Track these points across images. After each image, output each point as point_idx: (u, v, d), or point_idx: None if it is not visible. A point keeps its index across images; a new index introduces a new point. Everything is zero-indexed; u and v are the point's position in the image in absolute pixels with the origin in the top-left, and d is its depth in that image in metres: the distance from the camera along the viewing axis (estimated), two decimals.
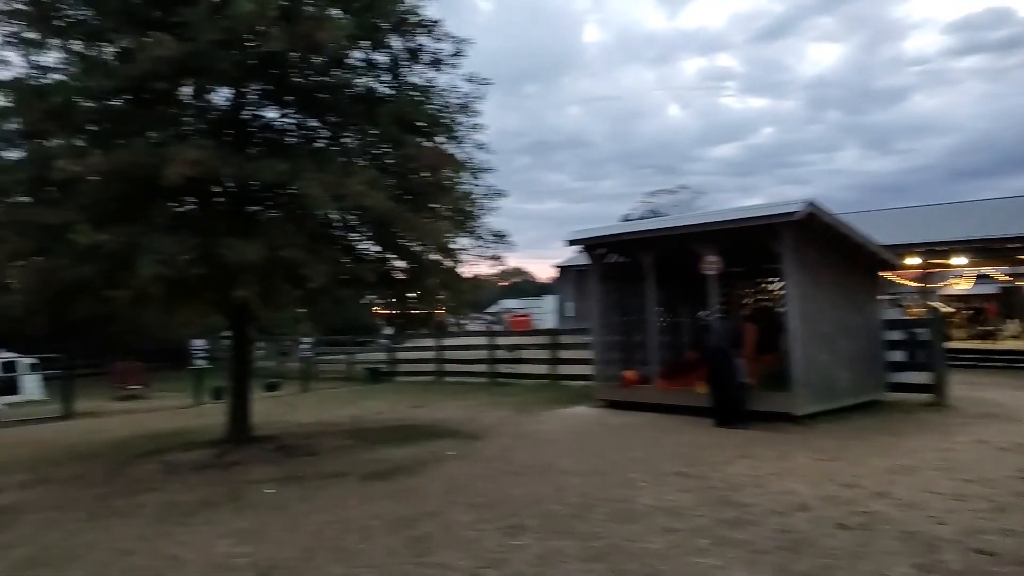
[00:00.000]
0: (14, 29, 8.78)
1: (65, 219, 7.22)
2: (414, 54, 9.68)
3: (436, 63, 9.64)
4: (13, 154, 8.78)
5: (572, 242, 12.68)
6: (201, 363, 17.09)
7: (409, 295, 9.71)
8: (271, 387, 18.74)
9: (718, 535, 5.75)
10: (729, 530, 5.87)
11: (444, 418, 12.37)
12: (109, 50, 8.96)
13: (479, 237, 9.68)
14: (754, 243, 11.23)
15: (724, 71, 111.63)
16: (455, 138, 9.52)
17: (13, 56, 8.84)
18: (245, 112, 9.68)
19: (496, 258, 9.95)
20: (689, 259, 11.79)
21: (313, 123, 10.07)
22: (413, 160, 8.82)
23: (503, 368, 17.18)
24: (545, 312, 34.51)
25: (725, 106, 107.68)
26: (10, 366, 20.24)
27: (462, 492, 7.40)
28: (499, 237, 9.85)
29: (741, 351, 10.71)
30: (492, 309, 38.47)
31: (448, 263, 9.78)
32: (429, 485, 7.79)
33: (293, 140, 9.83)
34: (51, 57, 8.94)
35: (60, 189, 7.74)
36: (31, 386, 20.78)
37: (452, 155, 9.42)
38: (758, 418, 10.47)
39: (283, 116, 10.08)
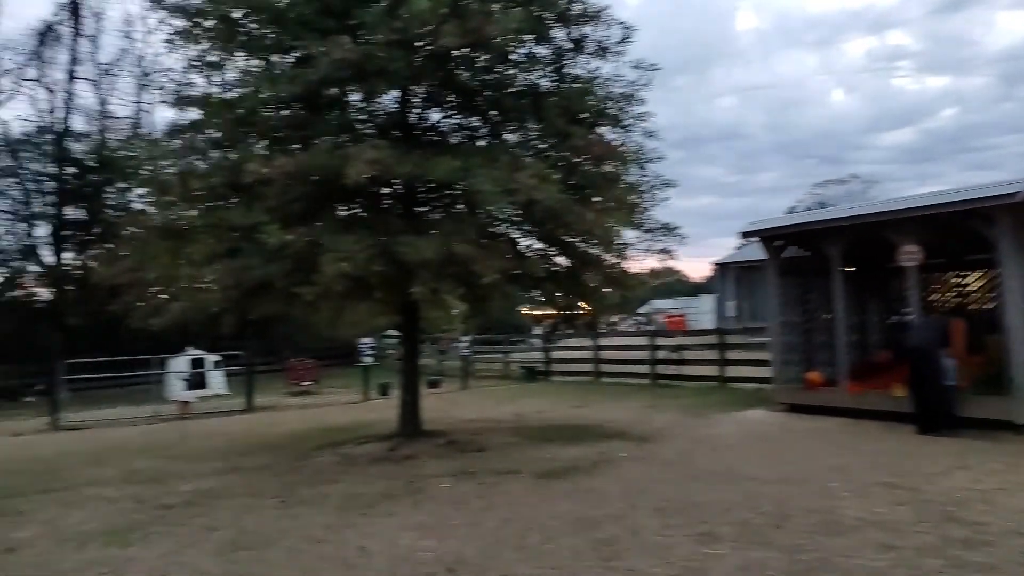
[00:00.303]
0: (198, 52, 9.39)
1: (254, 221, 7.54)
2: (578, 44, 9.43)
3: (602, 51, 9.34)
4: (206, 163, 9.38)
5: (747, 234, 11.93)
6: (368, 360, 17.76)
7: (572, 292, 9.42)
8: (433, 384, 19.17)
9: (951, 556, 5.02)
10: (963, 551, 5.12)
11: (609, 419, 12.02)
12: (287, 60, 9.41)
13: (648, 230, 9.26)
14: (958, 231, 10.03)
15: (897, 50, 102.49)
16: (622, 127, 9.16)
17: (197, 77, 9.51)
18: (411, 114, 9.85)
19: (665, 252, 9.49)
20: (880, 250, 10.74)
21: (475, 122, 10.10)
22: (580, 152, 8.56)
23: (665, 369, 16.56)
24: (701, 312, 33.32)
25: (898, 88, 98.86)
26: (199, 363, 22.02)
27: (644, 495, 7.02)
28: (669, 230, 9.38)
29: (949, 350, 9.57)
30: (642, 309, 37.60)
31: (614, 258, 9.45)
32: (607, 486, 7.47)
33: (456, 140, 9.89)
34: (232, 72, 9.53)
35: (249, 193, 8.12)
36: (216, 381, 22.49)
37: (618, 146, 9.08)
38: (968, 425, 9.31)
39: (446, 117, 10.19)
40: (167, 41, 9.25)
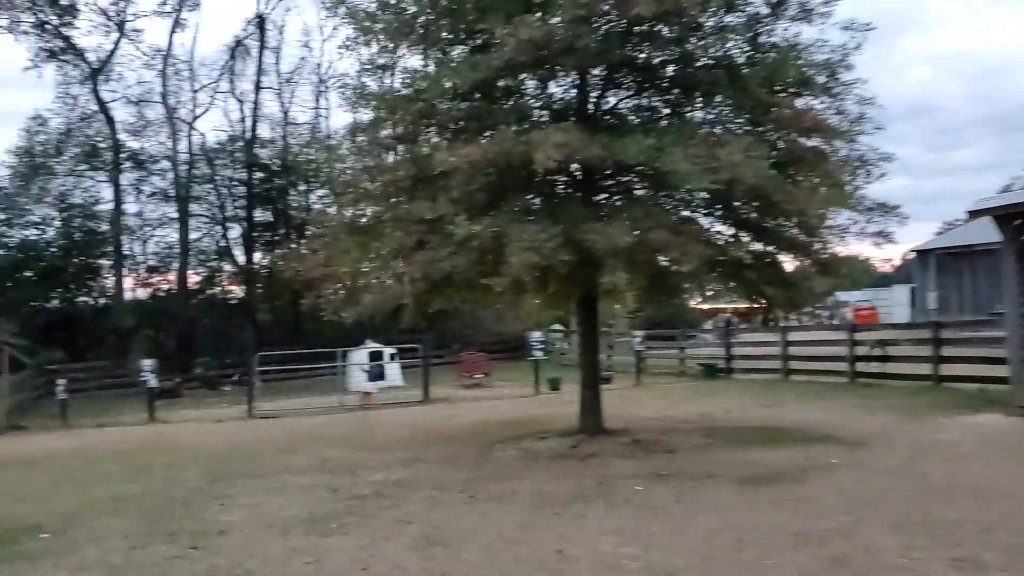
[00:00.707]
0: (372, 53, 9.46)
1: (440, 213, 7.41)
2: (778, 7, 8.57)
3: (806, 13, 8.41)
4: (389, 159, 9.44)
5: (975, 213, 10.38)
6: (538, 355, 17.60)
7: (772, 281, 8.57)
8: (603, 380, 18.62)
9: None
10: None
11: (808, 421, 10.98)
12: (462, 50, 9.29)
13: (863, 210, 8.24)
14: None
15: None
16: (831, 96, 8.21)
17: (371, 80, 9.60)
18: (589, 98, 9.42)
19: (882, 235, 8.41)
20: None
21: (654, 102, 9.51)
22: (785, 126, 7.73)
23: (867, 367, 15.02)
24: (894, 304, 30.40)
25: None
26: (377, 355, 22.92)
27: (870, 508, 6.15)
28: (887, 209, 8.30)
29: None
30: (826, 303, 34.81)
31: (819, 242, 8.52)
32: (822, 496, 6.66)
33: (635, 122, 9.32)
34: (405, 69, 9.53)
35: (434, 185, 8.03)
36: (393, 373, 23.28)
37: (828, 118, 8.14)
38: None
39: (624, 99, 9.67)
40: (343, 46, 9.44)
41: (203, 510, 7.45)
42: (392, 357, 23.11)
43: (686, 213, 8.83)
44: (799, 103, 8.37)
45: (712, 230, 8.99)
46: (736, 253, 7.27)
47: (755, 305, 9.42)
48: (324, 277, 8.86)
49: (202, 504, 7.73)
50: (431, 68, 9.19)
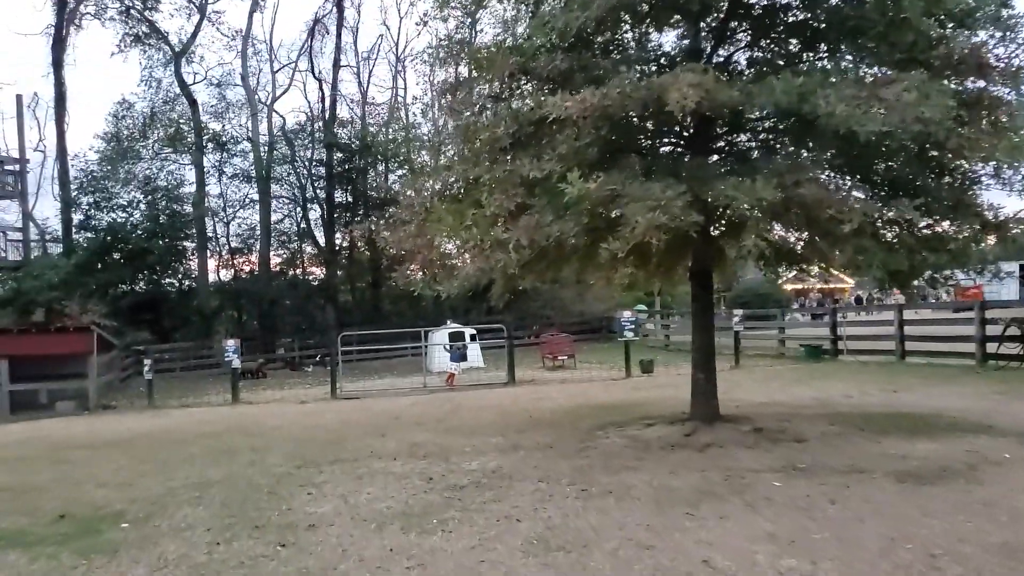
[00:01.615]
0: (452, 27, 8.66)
1: (547, 171, 6.55)
2: None
3: None
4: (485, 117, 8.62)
5: None
6: (629, 335, 16.61)
7: (934, 246, 7.31)
8: (646, 367, 17.44)
9: None
10: None
11: (945, 407, 9.72)
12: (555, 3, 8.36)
13: None
14: None
15: None
16: (1003, 30, 6.93)
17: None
18: (703, 48, 8.36)
19: None
20: None
21: (769, 55, 8.35)
22: (957, 64, 6.53)
23: (1002, 349, 13.46)
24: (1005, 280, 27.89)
25: None
26: (458, 336, 22.36)
27: None
28: None
29: None
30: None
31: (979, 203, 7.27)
32: (1014, 499, 5.55)
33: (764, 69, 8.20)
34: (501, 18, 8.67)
35: (536, 143, 7.18)
36: (474, 355, 22.69)
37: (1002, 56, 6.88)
38: None
39: (739, 51, 8.57)
40: (421, 22, 8.67)
41: (290, 499, 6.87)
42: (472, 338, 22.51)
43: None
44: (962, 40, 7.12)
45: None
46: (904, 211, 6.10)
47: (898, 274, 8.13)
48: (416, 250, 8.12)
49: (289, 492, 7.17)
50: (529, 20, 8.31)
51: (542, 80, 7.84)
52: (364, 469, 8.07)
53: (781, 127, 6.89)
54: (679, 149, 8.31)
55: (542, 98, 6.66)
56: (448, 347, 17.52)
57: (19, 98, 33.13)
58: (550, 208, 6.67)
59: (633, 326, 16.67)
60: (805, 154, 6.93)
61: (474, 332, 22.65)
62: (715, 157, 8.07)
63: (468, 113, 8.00)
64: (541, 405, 12.61)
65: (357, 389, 17.95)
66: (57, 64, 28.84)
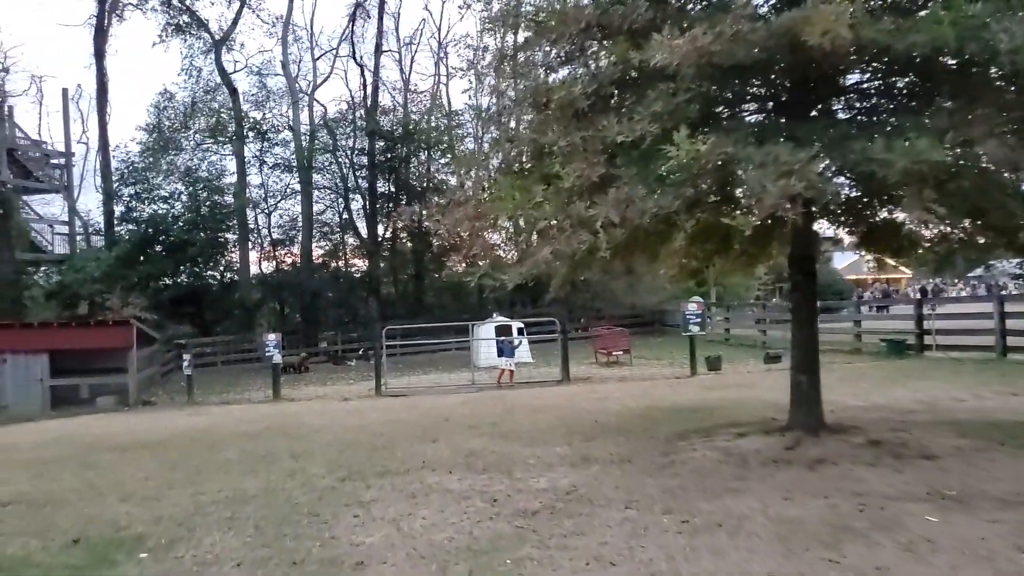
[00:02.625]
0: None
1: (639, 132, 5.40)
2: None
3: None
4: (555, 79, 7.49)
5: None
6: (695, 329, 15.34)
7: None
8: (772, 358, 16.22)
9: None
10: None
11: None
12: None
13: None
14: None
15: None
16: None
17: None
18: None
19: None
20: None
21: None
22: None
23: None
24: None
25: None
26: (505, 329, 21.29)
27: None
28: None
29: None
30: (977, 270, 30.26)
31: None
32: None
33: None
34: None
35: (623, 100, 6.04)
36: (522, 350, 21.61)
37: None
38: None
39: None
40: (463, 5, 7.56)
41: (334, 523, 5.88)
42: (520, 332, 21.45)
43: None
44: None
45: None
46: None
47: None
48: (473, 233, 7.04)
49: (332, 514, 6.19)
50: None
51: (620, 34, 6.68)
52: (417, 484, 7.06)
53: (927, 74, 5.59)
54: (798, 106, 7.05)
55: (631, 52, 5.48)
56: (501, 342, 16.46)
57: (65, 92, 32.91)
58: (638, 179, 5.52)
59: (699, 319, 15.37)
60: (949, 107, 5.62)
61: (521, 326, 21.59)
62: (841, 116, 6.83)
63: (535, 75, 6.87)
64: (605, 407, 11.48)
65: (402, 386, 17.03)
66: (99, 54, 28.51)
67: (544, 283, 7.86)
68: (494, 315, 22.46)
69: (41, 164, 31.20)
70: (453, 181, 30.81)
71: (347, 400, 15.58)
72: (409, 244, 32.43)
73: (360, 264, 33.81)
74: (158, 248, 27.60)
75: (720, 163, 4.95)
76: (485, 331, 20.82)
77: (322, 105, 33.19)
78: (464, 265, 31.21)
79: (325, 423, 11.89)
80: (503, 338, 18.21)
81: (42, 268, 29.26)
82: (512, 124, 7.53)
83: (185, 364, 17.84)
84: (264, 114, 31.43)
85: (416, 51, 33.10)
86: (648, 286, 25.40)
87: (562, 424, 10.07)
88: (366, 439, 9.99)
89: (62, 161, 32.36)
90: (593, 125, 5.91)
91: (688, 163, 4.80)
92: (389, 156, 30.34)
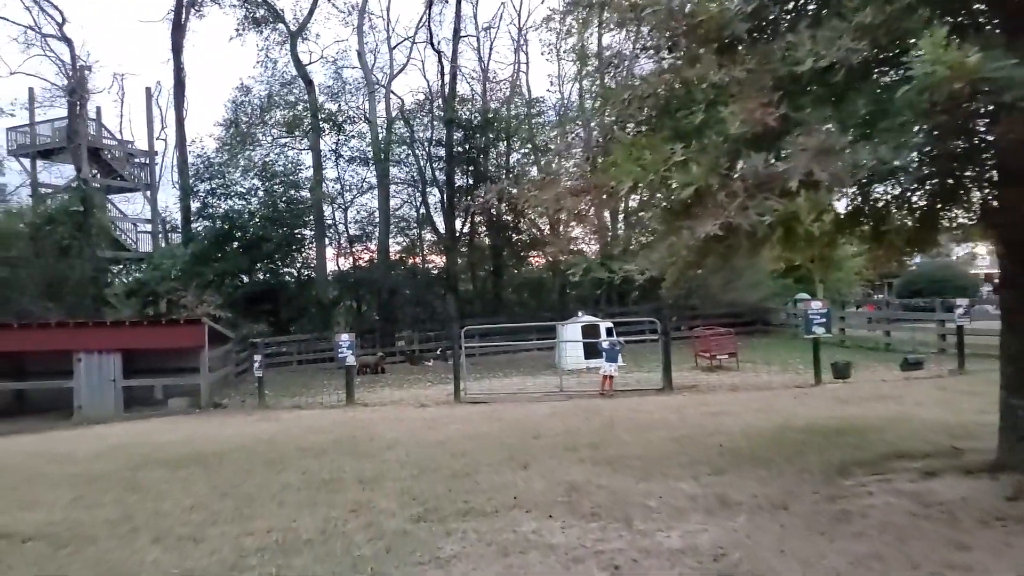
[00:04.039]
0: None
1: (841, 50, 3.67)
2: None
3: None
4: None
5: None
6: (819, 331, 13.26)
7: None
8: (912, 364, 13.92)
9: None
10: None
11: None
12: None
13: None
14: None
15: None
16: None
17: None
18: None
19: None
20: None
21: None
22: None
23: None
24: None
25: None
26: (593, 330, 19.60)
27: None
28: None
29: None
30: None
31: None
32: None
33: None
34: None
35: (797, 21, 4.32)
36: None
37: None
38: None
39: None
40: None
41: None
42: (609, 332, 19.71)
43: None
44: None
45: None
46: None
47: None
48: (576, 214, 5.42)
49: (404, 573, 4.72)
50: None
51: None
52: (509, 534, 5.52)
53: None
54: None
55: None
56: (602, 344, 14.76)
57: (148, 91, 33.14)
58: (833, 120, 3.78)
59: (824, 319, 13.29)
60: None
61: (610, 326, 19.86)
62: None
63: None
64: (725, 425, 9.67)
65: (483, 391, 15.59)
66: (176, 50, 28.25)
67: (654, 278, 6.24)
68: (579, 314, 20.78)
69: (124, 163, 31.36)
70: (534, 172, 29.37)
71: (424, 407, 14.25)
72: (487, 240, 31.06)
73: (437, 260, 32.68)
74: (234, 245, 27.10)
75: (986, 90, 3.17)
76: (571, 331, 19.18)
77: (399, 97, 32.20)
78: (548, 259, 29.65)
79: (399, 436, 10.54)
80: (606, 339, 16.49)
81: (122, 266, 29.30)
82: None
83: (256, 366, 16.89)
84: (340, 106, 30.63)
85: (495, 37, 31.67)
86: (748, 281, 23.15)
87: (679, 448, 8.36)
88: (444, 460, 8.54)
89: (146, 160, 32.51)
90: (756, 56, 4.18)
91: (936, 82, 3.05)
92: (467, 147, 28.98)
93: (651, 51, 5.19)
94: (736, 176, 3.93)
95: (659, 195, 4.79)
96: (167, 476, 8.72)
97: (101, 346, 17.65)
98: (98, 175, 29.23)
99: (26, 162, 29.85)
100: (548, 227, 29.87)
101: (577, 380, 15.91)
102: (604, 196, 5.05)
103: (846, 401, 11.01)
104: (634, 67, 5.80)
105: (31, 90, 29.14)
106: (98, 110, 32.00)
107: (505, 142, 29.99)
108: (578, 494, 6.58)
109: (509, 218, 28.92)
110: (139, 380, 18.30)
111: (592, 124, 5.81)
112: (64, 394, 17.46)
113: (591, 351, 19.17)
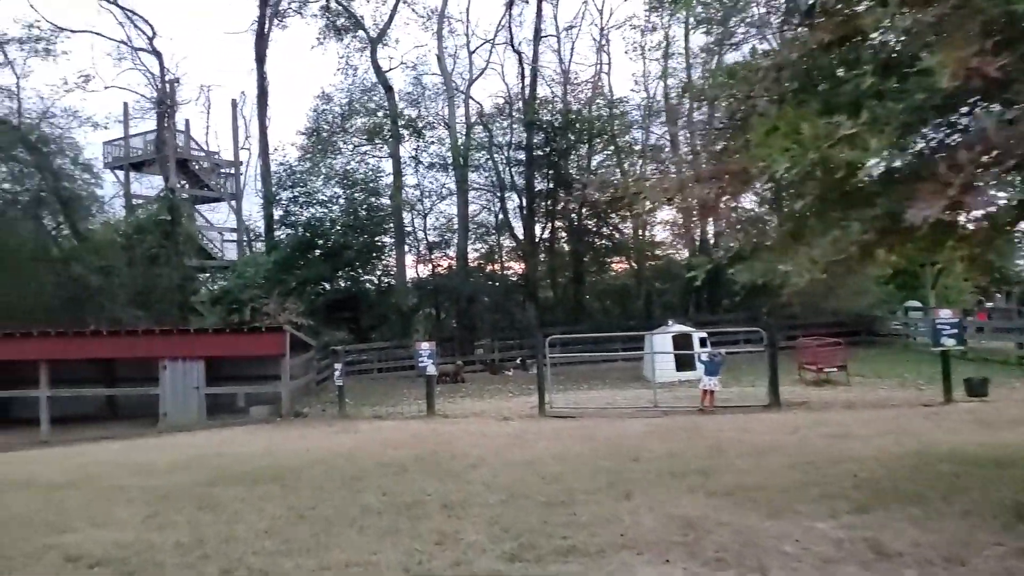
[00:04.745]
0: None
1: None
2: None
3: None
4: None
5: None
6: (949, 343, 11.80)
7: None
8: (977, 388, 12.05)
9: None
10: None
11: None
12: None
13: None
14: None
15: None
16: None
17: None
18: None
19: None
20: None
21: None
22: None
23: None
24: None
25: None
26: (686, 340, 18.44)
27: None
28: None
29: None
30: None
31: None
32: None
33: None
34: None
35: None
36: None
37: None
38: None
39: None
40: None
41: None
42: (703, 342, 18.52)
43: None
44: None
45: None
46: None
47: None
48: (704, 207, 4.54)
49: None
50: None
51: None
52: None
53: None
54: None
55: None
56: (701, 356, 13.66)
57: (234, 103, 33.71)
58: None
59: (955, 330, 11.85)
60: None
61: (704, 335, 18.67)
62: None
63: None
64: (851, 450, 8.53)
65: (568, 404, 14.73)
66: (260, 59, 28.60)
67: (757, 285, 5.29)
68: (669, 322, 19.63)
69: (211, 173, 32.02)
70: (617, 176, 28.35)
71: (507, 420, 13.50)
72: (566, 246, 30.17)
73: (516, 267, 32.00)
74: (316, 252, 27.13)
75: None
76: (660, 342, 18.11)
77: (477, 102, 31.75)
78: (632, 264, 28.45)
79: (483, 454, 9.81)
80: (705, 351, 15.37)
81: (208, 274, 29.81)
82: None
83: (336, 375, 16.55)
84: (419, 111, 30.39)
85: (577, 38, 30.79)
86: (852, 287, 21.42)
87: (804, 477, 7.31)
88: (536, 484, 7.75)
89: (230, 170, 33.12)
90: None
91: None
92: (548, 150, 28.20)
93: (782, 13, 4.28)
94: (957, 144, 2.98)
95: (815, 177, 3.86)
96: (243, 494, 8.23)
97: (185, 353, 17.71)
98: (186, 186, 29.89)
99: (120, 174, 30.80)
100: (632, 231, 28.82)
101: (673, 395, 14.87)
102: (740, 183, 4.16)
103: (991, 424, 9.65)
104: (751, 41, 4.88)
105: (125, 105, 30.10)
106: (187, 123, 32.80)
107: (587, 144, 29.05)
108: (696, 532, 5.66)
109: (591, 223, 28.00)
110: (222, 388, 18.32)
111: (717, 102, 4.90)
112: (151, 400, 17.60)
113: (683, 363, 18.06)
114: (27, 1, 31.00)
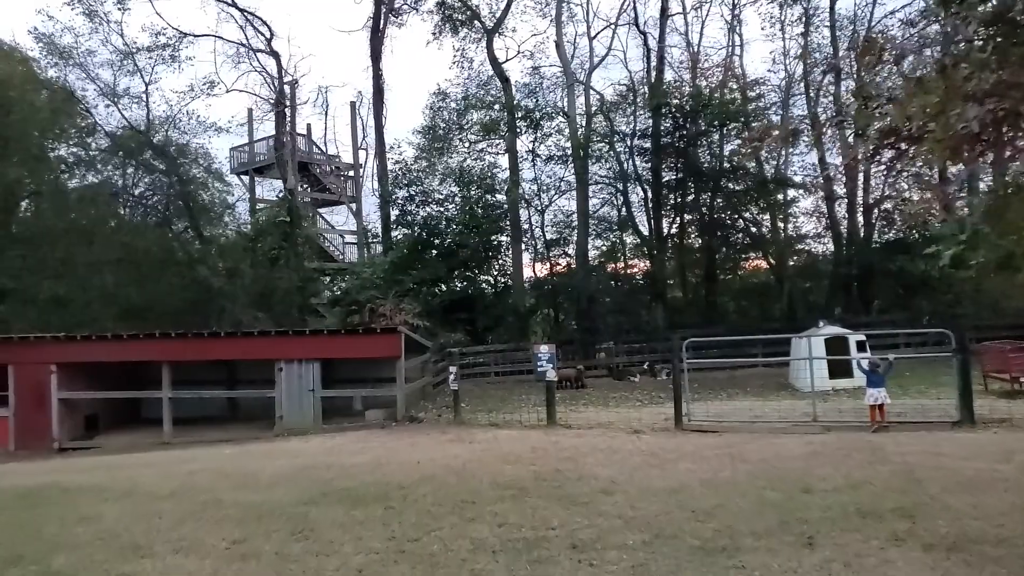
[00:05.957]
0: None
1: None
2: None
3: None
4: None
5: None
6: None
7: None
8: None
9: None
10: None
11: None
12: None
13: None
14: None
15: None
16: None
17: None
18: None
19: None
20: None
21: None
22: None
23: None
24: None
25: None
26: (840, 343, 16.19)
27: None
28: None
29: None
30: None
31: None
32: None
33: None
34: None
35: None
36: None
37: None
38: None
39: None
40: None
41: None
42: (860, 347, 16.22)
43: None
44: None
45: None
46: None
47: None
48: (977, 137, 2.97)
49: None
50: None
51: None
52: None
53: None
54: None
55: None
56: (865, 366, 11.64)
57: (353, 104, 33.86)
58: None
59: None
60: None
61: (862, 339, 16.34)
62: None
63: None
64: None
65: (708, 416, 12.98)
66: (375, 57, 28.32)
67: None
68: (820, 324, 17.37)
69: (330, 176, 32.20)
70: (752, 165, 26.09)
71: (638, 434, 11.95)
72: (697, 241, 28.05)
73: (641, 265, 30.13)
74: (432, 252, 26.47)
75: None
76: (811, 346, 15.98)
77: (598, 93, 30.18)
78: (770, 261, 25.91)
79: (615, 476, 8.37)
80: (868, 357, 13.24)
81: (328, 276, 29.87)
82: None
83: (451, 379, 15.57)
84: (536, 101, 29.17)
85: (707, 16, 28.64)
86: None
87: None
88: (685, 522, 6.27)
89: (349, 172, 33.23)
90: None
91: None
92: (676, 137, 26.20)
93: None
94: None
95: None
96: (342, 517, 7.23)
97: (300, 355, 17.28)
98: (308, 188, 30.08)
99: (245, 179, 31.48)
100: (770, 223, 26.39)
101: (838, 409, 12.85)
102: None
103: None
104: None
105: (250, 111, 30.68)
106: (308, 127, 33.17)
107: (719, 131, 26.80)
108: None
109: (724, 215, 25.82)
110: (337, 391, 17.81)
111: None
112: (270, 403, 17.27)
113: (836, 369, 15.88)
114: (154, 8, 32.07)
